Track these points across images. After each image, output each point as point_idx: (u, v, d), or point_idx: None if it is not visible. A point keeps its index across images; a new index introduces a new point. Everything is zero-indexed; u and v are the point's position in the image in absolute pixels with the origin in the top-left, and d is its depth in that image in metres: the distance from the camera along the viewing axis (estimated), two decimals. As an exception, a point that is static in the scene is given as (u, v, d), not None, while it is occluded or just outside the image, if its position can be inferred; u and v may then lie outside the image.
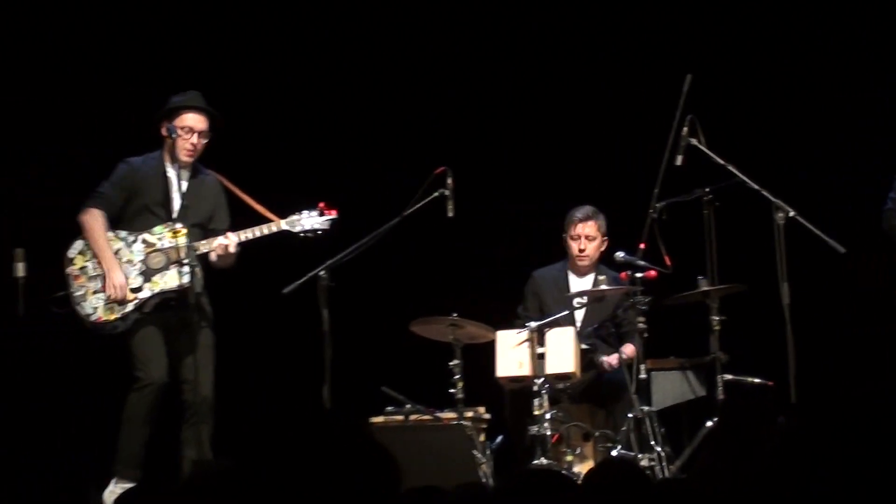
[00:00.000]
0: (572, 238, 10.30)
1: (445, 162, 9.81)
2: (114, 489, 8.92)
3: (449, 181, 9.70)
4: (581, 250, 10.28)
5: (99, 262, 9.40)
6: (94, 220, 9.40)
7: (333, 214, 9.47)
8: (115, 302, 9.37)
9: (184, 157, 9.38)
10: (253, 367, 10.63)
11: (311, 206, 9.47)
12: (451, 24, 12.14)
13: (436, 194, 9.71)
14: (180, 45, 11.76)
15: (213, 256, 9.37)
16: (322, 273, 9.52)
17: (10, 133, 11.61)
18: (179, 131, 9.35)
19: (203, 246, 9.33)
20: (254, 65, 11.97)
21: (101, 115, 11.27)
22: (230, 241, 9.30)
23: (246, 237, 9.38)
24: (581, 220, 10.27)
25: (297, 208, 9.49)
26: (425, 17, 12.05)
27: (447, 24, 12.13)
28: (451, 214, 9.69)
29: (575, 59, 11.78)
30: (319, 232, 9.45)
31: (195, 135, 9.40)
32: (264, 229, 9.41)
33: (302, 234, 9.45)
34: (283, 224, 9.41)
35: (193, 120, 9.42)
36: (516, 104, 11.86)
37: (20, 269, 9.48)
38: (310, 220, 9.43)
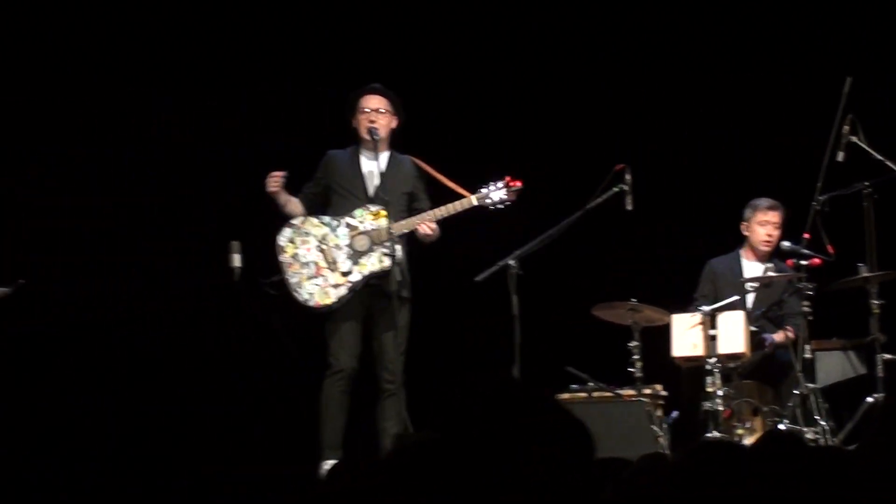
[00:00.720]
0: (760, 224, 10.45)
1: (624, 159, 9.90)
2: (324, 467, 8.98)
3: (627, 177, 9.81)
4: (769, 236, 10.41)
5: (312, 246, 9.55)
6: (296, 208, 9.66)
7: (518, 185, 9.51)
8: (314, 277, 9.50)
9: (364, 133, 9.52)
10: (446, 348, 10.69)
11: (496, 180, 9.51)
12: (638, 26, 12.03)
13: (615, 189, 9.82)
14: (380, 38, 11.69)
15: (419, 232, 9.46)
16: (511, 262, 9.60)
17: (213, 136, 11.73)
18: (360, 115, 9.55)
19: (402, 227, 9.41)
20: (449, 60, 11.91)
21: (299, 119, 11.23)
22: (426, 228, 9.42)
23: (440, 215, 9.45)
24: (770, 208, 10.41)
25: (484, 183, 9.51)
26: (617, 18, 11.97)
27: (634, 26, 12.02)
28: (629, 208, 9.80)
29: (745, 64, 11.67)
30: (508, 203, 9.49)
31: (372, 113, 9.56)
32: (457, 206, 9.45)
33: (492, 207, 9.49)
34: (474, 199, 9.46)
35: (368, 100, 9.58)
36: (686, 105, 11.72)
37: (236, 260, 9.61)
38: (497, 193, 9.48)
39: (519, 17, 12.05)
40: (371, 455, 8.12)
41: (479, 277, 9.78)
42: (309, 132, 10.91)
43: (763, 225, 10.47)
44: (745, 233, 10.57)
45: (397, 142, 9.79)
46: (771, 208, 10.46)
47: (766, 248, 10.49)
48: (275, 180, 9.57)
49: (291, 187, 9.76)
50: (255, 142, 11.25)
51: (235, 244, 9.68)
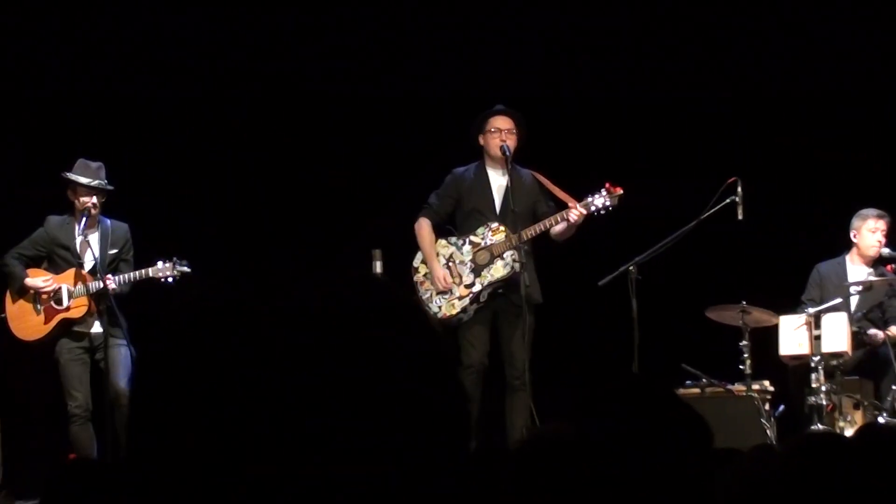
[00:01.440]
0: (871, 231, 10.33)
1: (735, 172, 9.86)
2: None
3: (739, 189, 9.77)
4: (878, 242, 10.31)
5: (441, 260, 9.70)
6: (422, 228, 9.75)
7: (619, 191, 9.47)
8: (443, 292, 9.64)
9: (496, 150, 9.53)
10: (572, 348, 10.60)
11: (598, 188, 9.49)
12: (743, 44, 11.92)
13: (727, 201, 9.77)
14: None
15: (556, 230, 9.49)
16: (631, 268, 9.66)
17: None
18: (489, 134, 9.59)
19: (530, 232, 9.44)
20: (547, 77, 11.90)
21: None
22: (568, 218, 9.39)
23: (558, 221, 9.44)
24: (880, 217, 10.32)
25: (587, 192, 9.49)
26: (719, 33, 11.86)
27: (738, 43, 11.91)
28: (740, 217, 9.78)
29: (853, 78, 11.56)
30: (611, 208, 9.45)
31: (503, 132, 9.58)
32: (566, 214, 9.42)
33: (596, 213, 9.44)
34: (580, 206, 9.42)
35: (497, 121, 9.62)
36: (795, 118, 11.60)
37: (378, 267, 9.68)
38: (600, 199, 9.43)
39: (620, 31, 12.01)
40: (501, 445, 8.08)
41: (602, 282, 9.82)
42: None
43: (874, 232, 10.37)
44: (854, 239, 10.46)
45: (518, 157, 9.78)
46: (880, 217, 10.37)
47: (875, 254, 10.40)
48: None
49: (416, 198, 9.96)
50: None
51: (377, 252, 9.76)
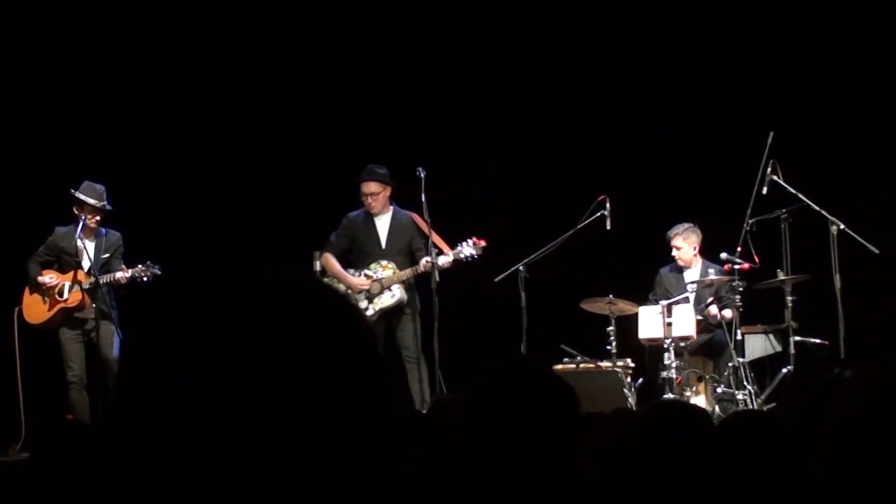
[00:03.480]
0: (674, 248, 10.39)
1: (605, 191, 9.93)
2: None
3: (607, 205, 9.85)
4: (674, 255, 10.40)
5: (339, 283, 9.69)
6: (328, 260, 9.86)
7: (483, 243, 9.59)
8: (359, 296, 9.68)
9: (371, 209, 9.80)
10: (476, 332, 10.39)
11: (467, 239, 9.60)
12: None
13: (598, 214, 9.87)
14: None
15: (420, 269, 9.63)
16: (521, 268, 9.76)
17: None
18: (362, 198, 9.79)
19: (407, 275, 9.65)
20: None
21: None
22: (426, 266, 9.52)
23: (425, 268, 9.56)
24: (672, 236, 10.36)
25: (459, 241, 9.61)
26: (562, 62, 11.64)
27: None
28: (608, 227, 9.86)
29: (694, 119, 11.51)
30: (475, 257, 9.57)
31: (368, 197, 9.76)
32: (438, 261, 9.53)
33: (464, 259, 9.56)
34: (451, 254, 9.56)
35: (364, 187, 9.79)
36: (655, 149, 11.58)
37: (318, 265, 9.68)
38: (468, 249, 9.56)
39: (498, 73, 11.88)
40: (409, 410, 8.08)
41: (498, 279, 9.88)
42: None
43: (672, 249, 10.43)
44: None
45: (400, 195, 9.93)
46: (672, 236, 10.40)
47: (683, 263, 10.45)
48: None
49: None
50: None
51: (317, 253, 9.78)
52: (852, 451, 1.11)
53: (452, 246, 9.62)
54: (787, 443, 3.20)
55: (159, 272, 9.58)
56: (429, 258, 9.55)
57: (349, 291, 9.68)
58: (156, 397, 1.21)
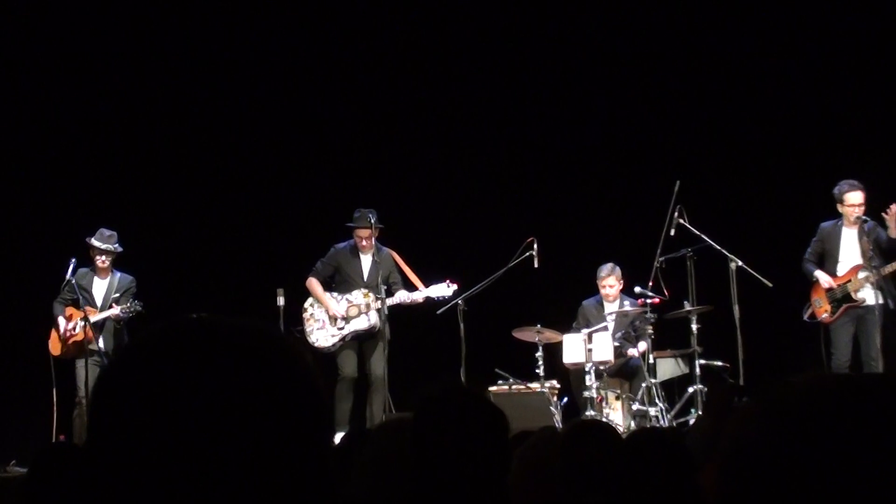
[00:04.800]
0: (601, 286, 10.37)
1: (533, 233, 9.96)
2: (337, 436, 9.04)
3: (535, 246, 9.86)
4: (610, 290, 10.35)
5: (322, 309, 9.77)
6: (312, 283, 9.87)
7: (456, 286, 9.72)
8: (322, 329, 9.74)
9: (363, 249, 9.80)
10: (421, 357, 10.24)
11: (441, 280, 9.75)
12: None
13: (527, 254, 9.89)
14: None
15: (394, 301, 9.65)
16: (459, 302, 9.73)
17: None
18: (356, 238, 9.76)
19: (384, 302, 9.54)
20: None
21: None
22: (404, 300, 9.64)
23: (404, 302, 9.69)
24: (606, 276, 10.35)
25: (434, 281, 9.74)
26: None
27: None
28: (536, 265, 9.85)
29: (611, 168, 11.57)
30: (448, 297, 9.70)
31: (363, 239, 9.75)
32: (415, 296, 9.68)
33: (437, 298, 9.70)
34: (426, 291, 9.70)
35: (359, 232, 9.73)
36: (587, 194, 11.59)
37: (280, 301, 9.60)
38: (440, 289, 9.70)
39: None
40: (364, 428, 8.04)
41: (440, 311, 9.87)
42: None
43: (603, 287, 10.42)
44: (599, 286, 10.53)
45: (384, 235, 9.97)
46: (607, 275, 10.38)
47: (608, 301, 10.45)
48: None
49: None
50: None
51: (280, 290, 9.68)
52: (740, 474, 1.12)
53: (427, 284, 9.76)
54: (681, 457, 3.21)
55: (141, 309, 9.78)
56: (405, 292, 9.77)
57: (330, 312, 9.78)
58: (114, 431, 1.20)
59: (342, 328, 9.75)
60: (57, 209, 11.29)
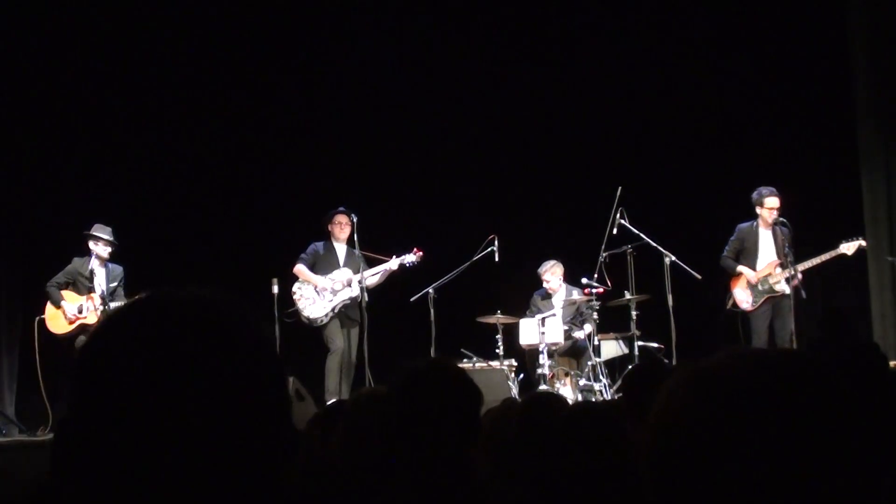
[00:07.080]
0: (542, 280, 10.39)
1: (493, 231, 9.88)
2: (328, 401, 8.61)
3: (496, 242, 9.82)
4: (548, 282, 10.36)
5: (310, 286, 9.57)
6: (300, 268, 9.66)
7: (421, 253, 9.62)
8: (314, 303, 9.52)
9: (337, 236, 9.72)
10: (391, 340, 10.01)
11: (409, 251, 9.65)
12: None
13: (489, 250, 9.83)
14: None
15: (369, 283, 9.53)
16: (431, 290, 9.71)
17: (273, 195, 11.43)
18: (334, 226, 9.73)
19: (363, 280, 9.44)
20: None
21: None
22: (382, 269, 9.53)
23: (382, 269, 9.57)
24: (549, 269, 10.33)
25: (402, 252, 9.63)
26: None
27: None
28: (496, 259, 9.79)
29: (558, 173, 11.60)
30: (416, 263, 9.60)
31: (342, 224, 9.68)
32: (391, 265, 9.56)
33: (408, 265, 9.57)
34: (395, 260, 9.60)
35: (340, 217, 9.69)
36: (544, 194, 11.53)
37: (275, 289, 9.45)
38: (409, 258, 9.59)
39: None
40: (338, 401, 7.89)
41: (413, 299, 9.82)
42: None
43: (543, 281, 10.42)
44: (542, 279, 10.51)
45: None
46: (545, 271, 10.36)
47: (552, 292, 10.42)
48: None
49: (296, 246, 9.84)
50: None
51: (275, 279, 9.56)
52: (668, 432, 1.14)
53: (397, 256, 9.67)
54: (614, 424, 3.15)
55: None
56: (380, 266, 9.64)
57: (318, 286, 9.63)
58: (88, 405, 1.14)
59: (331, 300, 9.59)
60: (55, 198, 10.94)
